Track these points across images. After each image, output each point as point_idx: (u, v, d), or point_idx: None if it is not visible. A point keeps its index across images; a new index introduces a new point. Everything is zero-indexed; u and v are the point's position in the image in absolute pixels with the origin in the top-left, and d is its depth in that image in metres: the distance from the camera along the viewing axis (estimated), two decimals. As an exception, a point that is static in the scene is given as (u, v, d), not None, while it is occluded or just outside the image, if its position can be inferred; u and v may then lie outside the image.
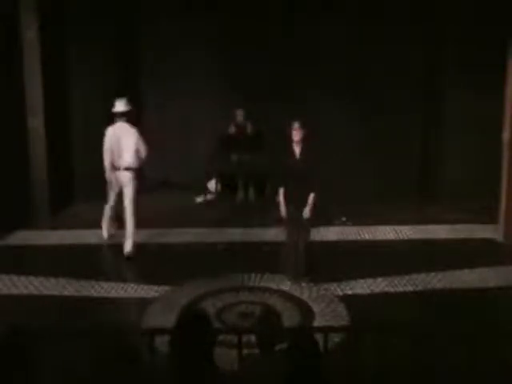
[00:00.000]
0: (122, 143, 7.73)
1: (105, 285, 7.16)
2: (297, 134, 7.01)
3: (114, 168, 7.76)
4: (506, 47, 8.19)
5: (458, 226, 8.95)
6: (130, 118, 7.79)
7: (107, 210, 8.19)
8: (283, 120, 9.87)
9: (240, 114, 10.15)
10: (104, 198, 8.39)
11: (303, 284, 7.12)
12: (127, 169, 7.74)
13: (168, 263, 7.85)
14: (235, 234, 8.79)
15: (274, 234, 8.73)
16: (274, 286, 7.17)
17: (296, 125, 7.02)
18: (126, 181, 7.77)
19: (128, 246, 7.82)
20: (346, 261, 7.85)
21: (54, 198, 9.43)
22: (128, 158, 7.74)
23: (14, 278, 7.33)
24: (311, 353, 3.29)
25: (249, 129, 10.23)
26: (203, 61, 10.15)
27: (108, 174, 7.82)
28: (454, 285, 7.18)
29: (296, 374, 3.23)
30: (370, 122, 10.03)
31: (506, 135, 8.33)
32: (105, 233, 8.32)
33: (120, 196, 7.92)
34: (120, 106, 7.77)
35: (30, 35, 8.95)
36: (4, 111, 8.61)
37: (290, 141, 7.06)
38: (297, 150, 7.08)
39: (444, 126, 9.89)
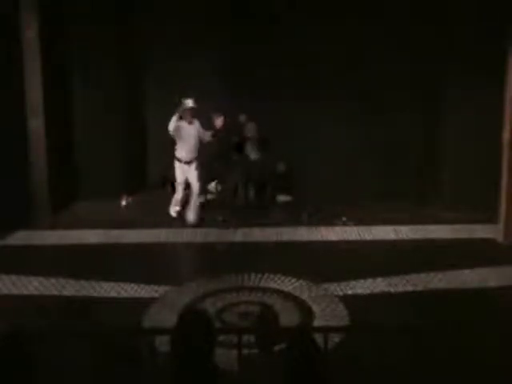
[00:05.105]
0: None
1: (105, 285, 7.17)
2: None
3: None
4: (506, 47, 8.19)
5: (458, 226, 8.94)
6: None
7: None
8: (284, 119, 10.00)
9: (242, 118, 10.14)
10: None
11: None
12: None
13: (168, 263, 7.85)
14: (235, 234, 8.79)
15: (274, 233, 8.77)
16: (274, 285, 7.17)
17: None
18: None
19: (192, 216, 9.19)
20: (346, 261, 7.86)
21: (54, 198, 9.43)
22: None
23: (14, 277, 7.34)
24: (310, 353, 3.29)
25: (250, 131, 10.21)
26: (204, 61, 10.13)
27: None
28: (453, 285, 7.18)
29: (295, 374, 3.24)
30: (370, 121, 10.02)
31: (506, 135, 8.32)
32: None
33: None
34: (190, 103, 8.96)
35: (30, 35, 8.95)
36: (4, 111, 8.61)
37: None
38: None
39: (444, 125, 9.89)
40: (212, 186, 10.33)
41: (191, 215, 9.16)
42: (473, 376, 4.98)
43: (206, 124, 9.49)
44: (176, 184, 9.30)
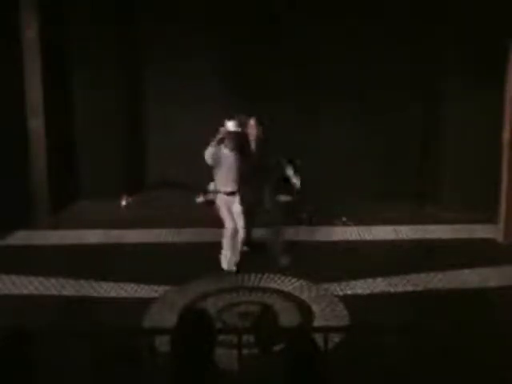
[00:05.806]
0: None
1: (105, 285, 7.17)
2: (253, 131, 7.84)
3: None
4: (507, 47, 8.19)
5: (458, 226, 8.94)
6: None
7: None
8: (284, 119, 9.98)
9: (242, 118, 10.09)
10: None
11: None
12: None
13: (168, 263, 7.85)
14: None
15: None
16: (274, 285, 7.18)
17: (252, 121, 7.83)
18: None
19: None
20: (346, 261, 7.86)
21: (54, 198, 9.43)
22: None
23: (14, 277, 7.34)
24: (310, 353, 3.29)
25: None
26: (204, 61, 10.12)
27: None
28: (453, 285, 7.18)
29: (295, 374, 3.24)
30: (370, 121, 10.02)
31: (506, 135, 8.32)
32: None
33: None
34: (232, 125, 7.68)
35: (30, 35, 8.95)
36: (4, 111, 8.61)
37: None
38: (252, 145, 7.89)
39: (444, 125, 9.88)
40: (212, 186, 10.31)
41: (225, 261, 7.61)
42: (473, 376, 4.99)
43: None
44: (224, 223, 7.67)
